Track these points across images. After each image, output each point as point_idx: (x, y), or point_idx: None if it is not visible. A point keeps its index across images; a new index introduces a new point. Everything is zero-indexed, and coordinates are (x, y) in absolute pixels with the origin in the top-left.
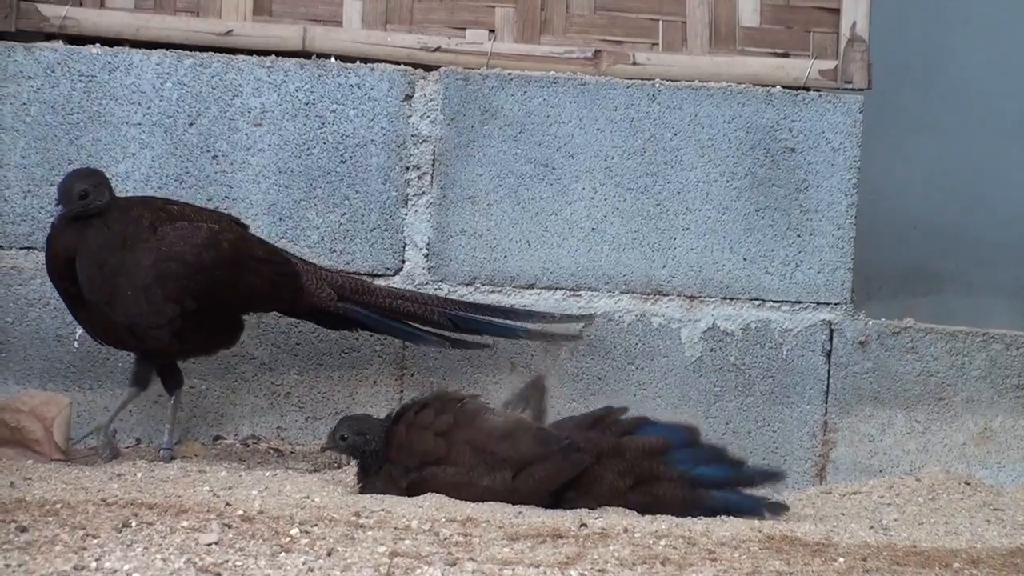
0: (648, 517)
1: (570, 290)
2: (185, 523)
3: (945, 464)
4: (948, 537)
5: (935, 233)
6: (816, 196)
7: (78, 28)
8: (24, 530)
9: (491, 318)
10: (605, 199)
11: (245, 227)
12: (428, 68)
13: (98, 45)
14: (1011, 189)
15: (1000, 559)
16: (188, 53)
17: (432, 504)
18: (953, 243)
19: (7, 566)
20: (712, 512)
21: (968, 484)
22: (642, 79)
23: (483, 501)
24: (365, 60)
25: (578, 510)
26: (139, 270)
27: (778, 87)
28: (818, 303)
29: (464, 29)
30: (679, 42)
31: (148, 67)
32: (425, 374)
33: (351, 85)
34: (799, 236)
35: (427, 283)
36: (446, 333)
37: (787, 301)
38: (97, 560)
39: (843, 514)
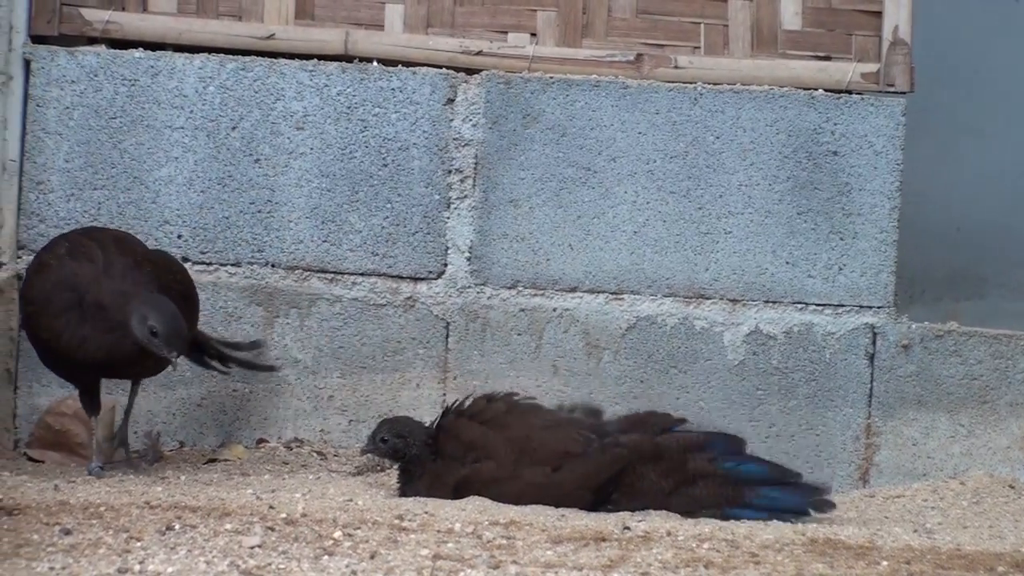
0: (691, 520)
1: (612, 293)
2: (228, 526)
3: (989, 467)
4: (992, 540)
5: (978, 236)
6: (859, 199)
7: (121, 32)
8: (68, 533)
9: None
10: (647, 202)
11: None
12: (470, 72)
13: (141, 49)
14: None
15: None
16: (230, 57)
17: (475, 507)
18: (997, 246)
19: (51, 568)
20: (756, 509)
21: (1012, 488)
22: (684, 82)
23: (525, 496)
24: (407, 64)
25: (620, 513)
26: None
27: (820, 90)
28: (861, 307)
29: (506, 33)
30: (721, 45)
31: (191, 71)
32: (468, 377)
33: (393, 89)
34: (842, 239)
35: (470, 286)
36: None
37: (830, 304)
38: (141, 563)
39: (887, 517)
